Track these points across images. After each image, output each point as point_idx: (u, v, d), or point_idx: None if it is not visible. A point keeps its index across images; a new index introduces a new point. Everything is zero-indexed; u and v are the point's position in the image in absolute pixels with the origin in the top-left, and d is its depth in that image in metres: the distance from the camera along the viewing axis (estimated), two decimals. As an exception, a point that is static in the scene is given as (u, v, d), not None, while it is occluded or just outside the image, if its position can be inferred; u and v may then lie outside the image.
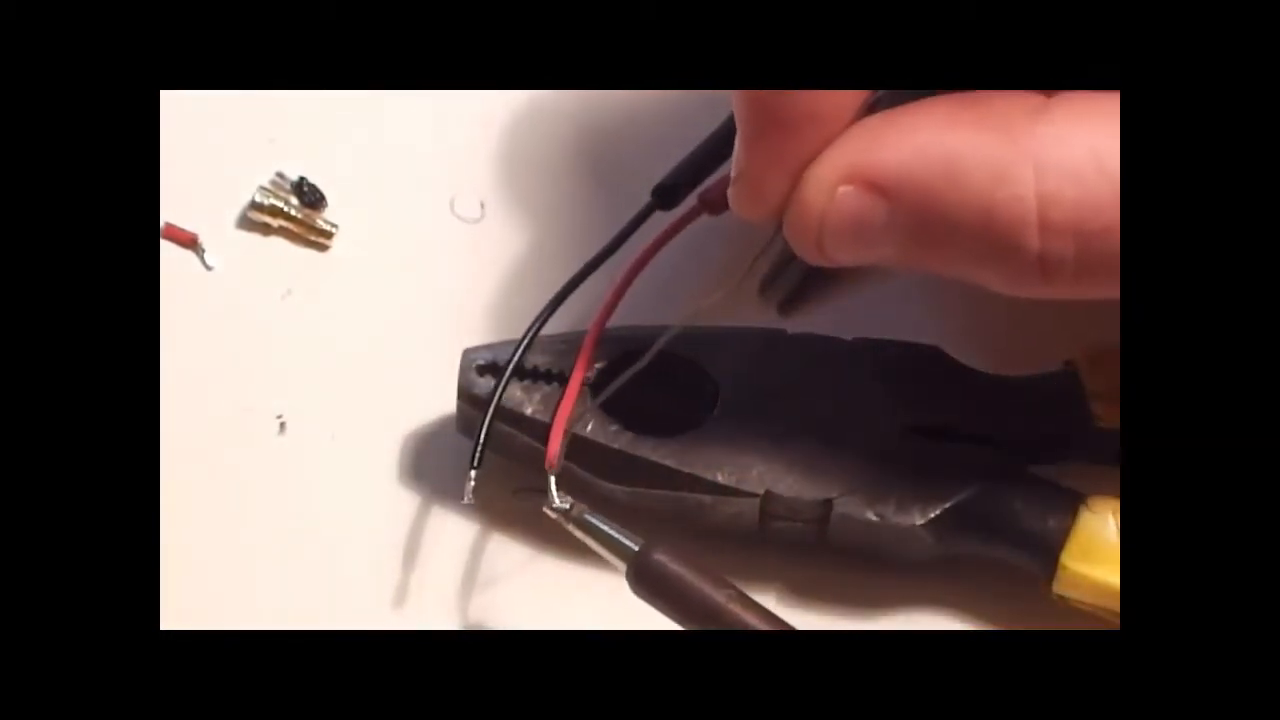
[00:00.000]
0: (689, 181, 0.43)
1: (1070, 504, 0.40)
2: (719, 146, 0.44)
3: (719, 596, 0.38)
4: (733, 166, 0.39)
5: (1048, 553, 0.40)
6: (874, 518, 0.41)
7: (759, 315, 0.46)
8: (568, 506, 0.40)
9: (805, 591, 0.42)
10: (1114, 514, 0.40)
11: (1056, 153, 0.35)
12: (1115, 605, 0.39)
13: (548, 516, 0.40)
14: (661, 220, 0.44)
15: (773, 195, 0.38)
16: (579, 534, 0.40)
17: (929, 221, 0.37)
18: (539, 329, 0.43)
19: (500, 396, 0.42)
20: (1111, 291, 0.37)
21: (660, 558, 0.39)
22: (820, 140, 0.37)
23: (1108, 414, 0.42)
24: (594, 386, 0.42)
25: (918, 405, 0.42)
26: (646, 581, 0.39)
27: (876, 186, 0.37)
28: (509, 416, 0.42)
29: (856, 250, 0.38)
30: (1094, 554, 0.40)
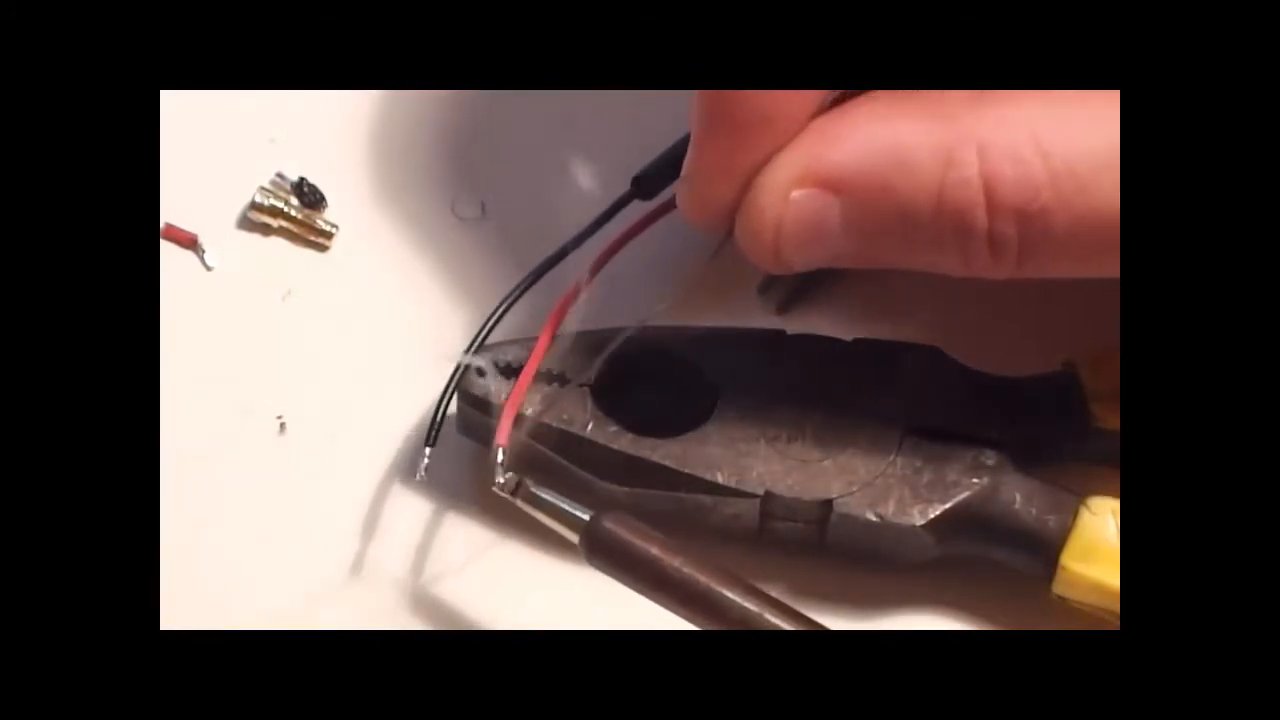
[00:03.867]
0: (669, 172, 0.43)
1: (1070, 504, 0.40)
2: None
3: (672, 560, 0.38)
4: (682, 170, 0.39)
5: (1048, 553, 0.40)
6: (874, 518, 0.41)
7: (759, 315, 0.46)
8: (515, 483, 0.40)
9: (805, 591, 0.42)
10: (1114, 514, 0.40)
11: (998, 134, 0.36)
12: (1115, 605, 0.39)
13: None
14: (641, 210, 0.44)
15: (722, 201, 0.39)
16: (530, 510, 0.40)
17: (884, 213, 0.37)
18: (510, 306, 0.43)
19: (460, 376, 0.42)
20: (1051, 272, 0.38)
21: (610, 525, 0.39)
22: (771, 145, 0.38)
23: (1108, 414, 0.42)
24: (595, 388, 0.42)
25: (918, 405, 0.42)
26: (600, 550, 0.39)
27: (830, 185, 0.37)
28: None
29: (813, 253, 0.38)
30: (1094, 554, 0.40)
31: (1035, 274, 0.38)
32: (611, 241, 0.43)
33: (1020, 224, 0.36)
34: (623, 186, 0.44)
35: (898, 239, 0.38)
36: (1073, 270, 0.38)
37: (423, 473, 0.42)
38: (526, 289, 0.43)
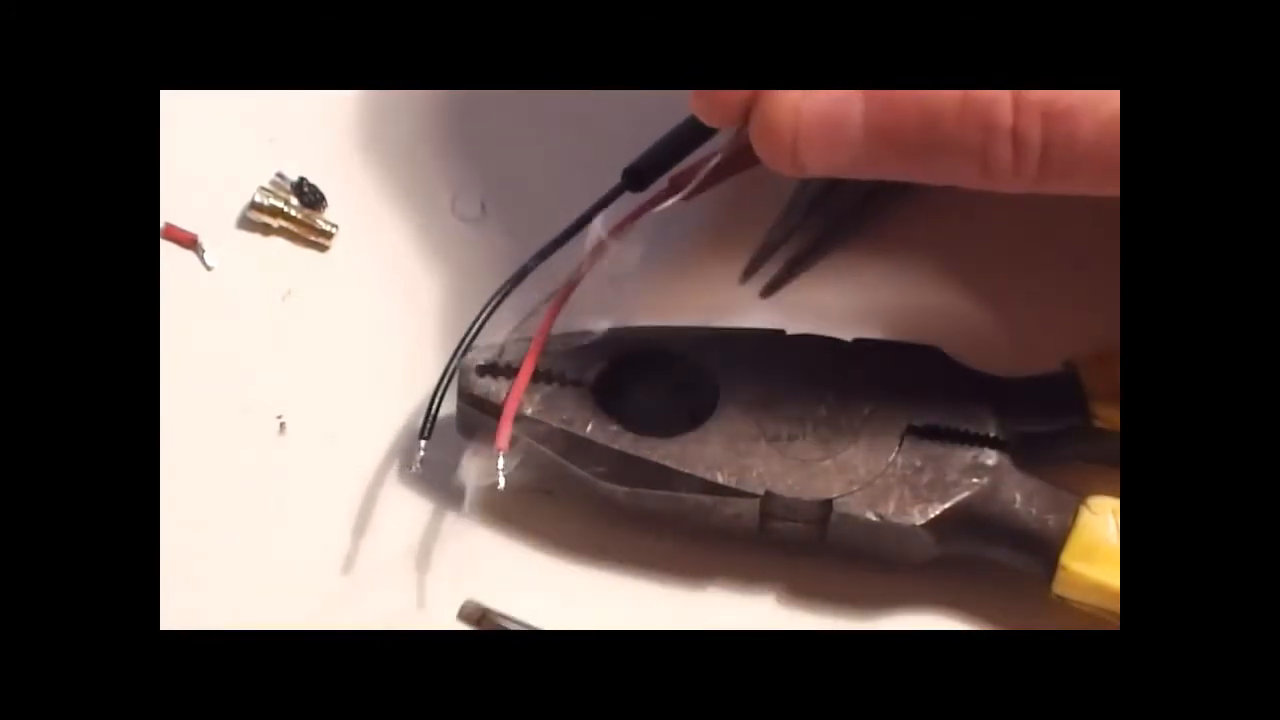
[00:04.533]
0: (661, 165, 0.43)
1: (1070, 504, 0.40)
2: (692, 131, 0.44)
3: None
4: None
5: (1048, 553, 0.40)
6: (874, 518, 0.41)
7: (759, 316, 0.46)
8: (479, 614, 0.40)
9: (805, 591, 0.42)
10: (1114, 514, 0.40)
11: None
12: (1115, 605, 0.39)
13: (551, 516, 0.40)
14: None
15: (738, 97, 0.38)
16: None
17: (906, 110, 0.36)
18: (500, 300, 0.43)
19: (454, 371, 0.42)
20: (1071, 186, 0.37)
21: None
22: None
23: (1108, 414, 0.42)
24: (595, 388, 0.42)
25: (918, 405, 0.42)
26: None
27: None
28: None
29: (831, 153, 0.37)
30: (1094, 554, 0.40)
31: (1055, 188, 0.37)
32: (611, 229, 0.43)
33: (1046, 123, 0.36)
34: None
35: (919, 139, 0.37)
36: (1092, 185, 0.37)
37: (418, 464, 0.42)
38: (515, 284, 0.43)
